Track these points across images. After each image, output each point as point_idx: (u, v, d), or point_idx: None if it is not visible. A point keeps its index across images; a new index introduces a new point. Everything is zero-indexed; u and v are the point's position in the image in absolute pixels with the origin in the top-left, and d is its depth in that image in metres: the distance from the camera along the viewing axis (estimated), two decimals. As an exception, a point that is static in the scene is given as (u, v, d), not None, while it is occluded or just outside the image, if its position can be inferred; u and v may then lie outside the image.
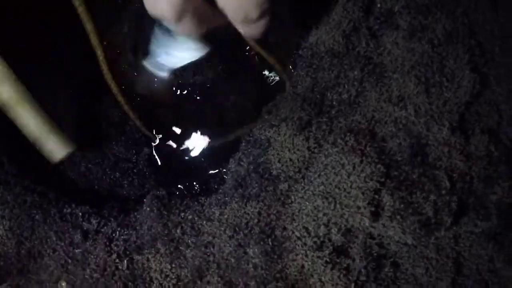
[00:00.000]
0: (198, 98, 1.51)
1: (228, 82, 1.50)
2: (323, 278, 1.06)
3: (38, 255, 1.16)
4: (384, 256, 1.10)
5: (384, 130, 1.13)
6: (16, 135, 1.39)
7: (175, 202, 1.22)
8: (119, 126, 1.46)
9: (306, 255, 1.07)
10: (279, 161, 1.15)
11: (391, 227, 1.08)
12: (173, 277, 1.11)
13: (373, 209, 1.06)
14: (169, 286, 1.10)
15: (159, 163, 1.49)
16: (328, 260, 1.06)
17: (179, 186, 1.43)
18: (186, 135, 1.51)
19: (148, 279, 1.11)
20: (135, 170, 1.44)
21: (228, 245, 1.12)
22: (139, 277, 1.12)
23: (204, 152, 1.51)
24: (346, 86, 1.16)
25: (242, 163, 1.20)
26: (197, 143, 1.51)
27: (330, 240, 1.08)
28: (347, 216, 1.07)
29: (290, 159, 1.14)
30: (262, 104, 1.47)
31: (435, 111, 1.14)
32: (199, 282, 1.10)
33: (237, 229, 1.13)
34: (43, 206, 1.26)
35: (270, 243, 1.09)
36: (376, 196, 1.07)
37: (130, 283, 1.11)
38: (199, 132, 1.50)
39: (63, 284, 1.15)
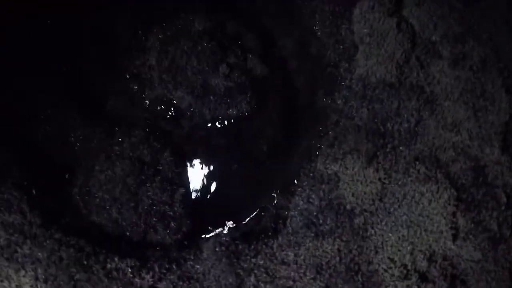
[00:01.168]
0: (231, 131, 1.43)
1: (261, 115, 1.45)
2: (413, 306, 1.08)
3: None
4: (455, 276, 1.15)
5: (445, 155, 1.19)
6: (35, 180, 1.22)
7: (243, 247, 1.16)
8: (151, 165, 1.32)
9: (396, 286, 1.08)
10: (352, 195, 1.15)
11: (464, 246, 1.13)
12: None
13: (454, 231, 1.10)
14: None
15: (195, 202, 1.39)
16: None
17: (225, 227, 1.34)
18: (218, 170, 1.42)
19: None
20: (171, 213, 1.31)
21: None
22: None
23: (240, 189, 1.43)
24: (405, 116, 1.20)
25: (311, 200, 1.17)
26: (230, 178, 1.42)
27: (415, 267, 1.10)
28: (431, 242, 1.10)
29: (364, 192, 1.14)
30: (294, 137, 1.46)
31: (485, 134, 1.22)
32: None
33: (319, 269, 1.10)
34: (82, 262, 1.11)
35: (360, 280, 1.08)
36: (454, 219, 1.12)
37: None
38: (233, 167, 1.42)
39: None
